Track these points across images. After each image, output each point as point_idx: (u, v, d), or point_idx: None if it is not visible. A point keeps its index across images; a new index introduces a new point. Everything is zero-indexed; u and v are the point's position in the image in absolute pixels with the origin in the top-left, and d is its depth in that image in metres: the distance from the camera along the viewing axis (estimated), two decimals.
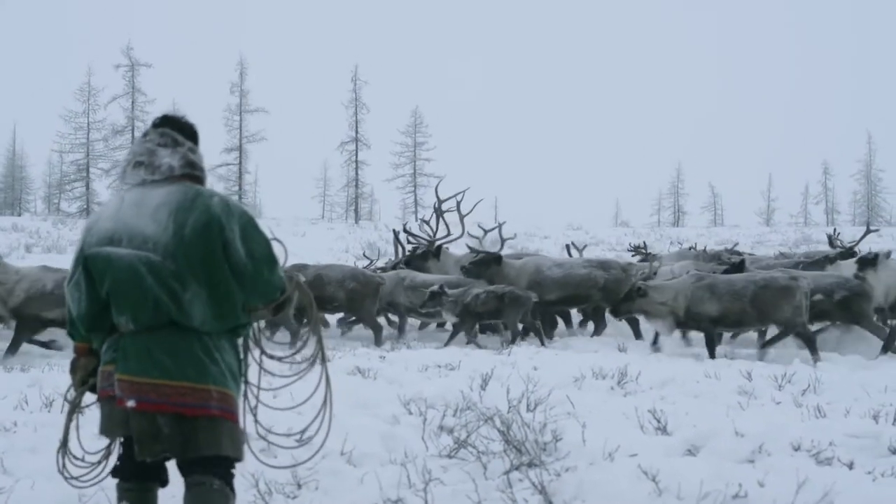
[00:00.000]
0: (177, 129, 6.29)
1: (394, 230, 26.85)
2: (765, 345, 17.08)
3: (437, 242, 23.16)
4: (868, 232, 25.16)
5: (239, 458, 6.05)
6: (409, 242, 24.56)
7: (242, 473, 7.53)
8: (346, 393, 10.73)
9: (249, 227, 6.00)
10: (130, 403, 5.70)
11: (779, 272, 17.75)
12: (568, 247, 25.85)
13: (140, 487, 6.07)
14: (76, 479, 6.33)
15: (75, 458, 6.36)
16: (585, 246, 26.41)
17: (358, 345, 18.60)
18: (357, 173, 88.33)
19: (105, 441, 6.30)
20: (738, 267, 20.08)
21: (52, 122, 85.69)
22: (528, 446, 7.99)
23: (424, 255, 22.98)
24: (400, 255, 24.93)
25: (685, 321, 17.14)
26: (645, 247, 29.94)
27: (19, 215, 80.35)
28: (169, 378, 5.71)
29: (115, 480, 6.13)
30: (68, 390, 6.52)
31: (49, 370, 13.91)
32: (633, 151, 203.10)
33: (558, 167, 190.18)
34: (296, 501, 7.33)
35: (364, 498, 7.24)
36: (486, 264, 20.69)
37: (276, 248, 6.21)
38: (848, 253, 23.72)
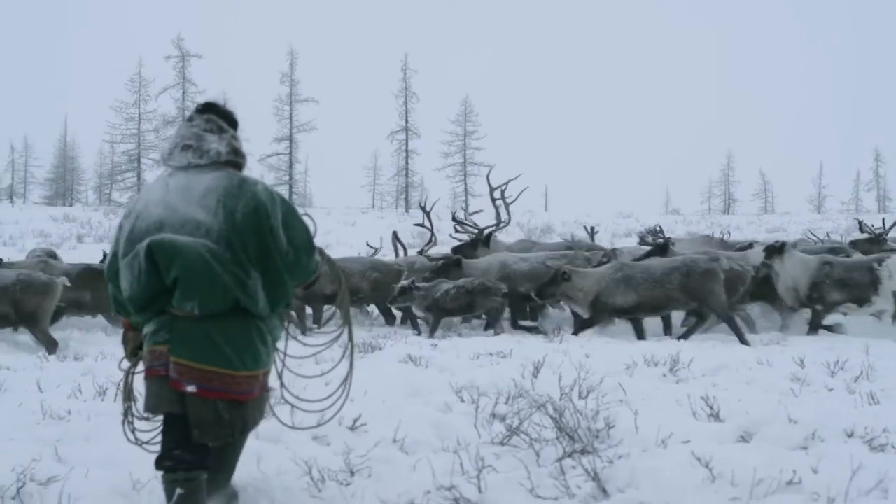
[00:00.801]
0: (221, 117, 6.66)
1: (394, 232, 26.82)
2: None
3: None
4: None
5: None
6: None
7: (296, 461, 7.60)
8: (398, 381, 10.83)
9: (290, 215, 6.35)
10: (191, 388, 6.00)
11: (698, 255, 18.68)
12: (591, 229, 25.87)
13: (187, 478, 6.16)
14: (147, 443, 6.65)
15: (140, 419, 6.69)
16: (594, 228, 26.48)
17: (409, 333, 18.69)
18: (407, 162, 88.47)
19: None
20: (663, 249, 20.61)
21: (104, 113, 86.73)
22: (580, 433, 7.98)
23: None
24: (401, 255, 25.09)
25: (594, 309, 17.59)
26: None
27: (71, 205, 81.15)
28: (231, 368, 6.06)
29: (160, 473, 6.31)
30: (122, 361, 6.80)
31: (102, 359, 14.00)
32: (684, 139, 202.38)
33: (609, 155, 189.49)
34: (349, 489, 7.29)
35: (417, 485, 7.23)
36: (446, 269, 20.76)
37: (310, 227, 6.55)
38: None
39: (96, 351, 15.25)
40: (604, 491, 6.91)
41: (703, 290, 17.22)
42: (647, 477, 6.96)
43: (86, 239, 43.92)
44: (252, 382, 6.20)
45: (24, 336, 17.60)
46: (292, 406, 7.21)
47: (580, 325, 17.95)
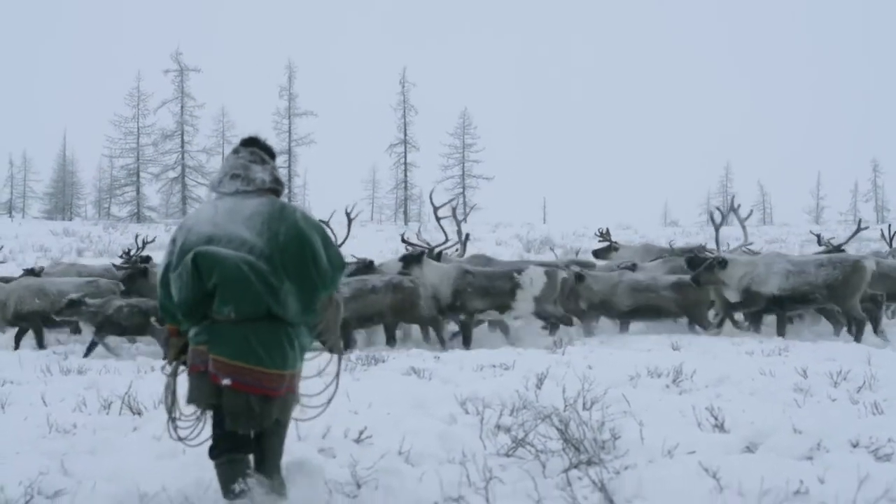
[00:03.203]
0: (261, 149, 7.60)
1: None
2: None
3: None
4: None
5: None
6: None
7: (302, 474, 7.62)
8: (401, 393, 10.86)
9: (326, 238, 7.23)
10: (226, 381, 6.80)
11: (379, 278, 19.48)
12: (466, 236, 25.70)
13: (232, 459, 6.99)
14: (184, 439, 7.36)
15: (180, 419, 7.39)
16: (468, 235, 26.29)
17: (411, 345, 18.66)
18: (406, 175, 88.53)
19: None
20: (369, 267, 21.12)
21: (103, 128, 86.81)
22: (586, 444, 7.99)
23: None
24: None
25: None
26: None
27: (70, 220, 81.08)
28: (263, 366, 6.85)
29: (212, 462, 7.08)
30: (165, 365, 7.60)
31: (106, 373, 14.04)
32: (683, 151, 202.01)
33: (608, 167, 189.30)
34: (356, 500, 7.33)
35: (424, 497, 7.24)
36: (132, 279, 21.25)
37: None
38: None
39: (99, 365, 15.26)
40: (611, 502, 6.92)
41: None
42: (655, 487, 6.98)
43: (86, 253, 43.90)
44: (280, 381, 6.93)
45: (26, 350, 17.66)
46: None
47: None
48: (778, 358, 14.99)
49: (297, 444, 8.35)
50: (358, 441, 8.69)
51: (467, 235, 25.35)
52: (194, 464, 7.79)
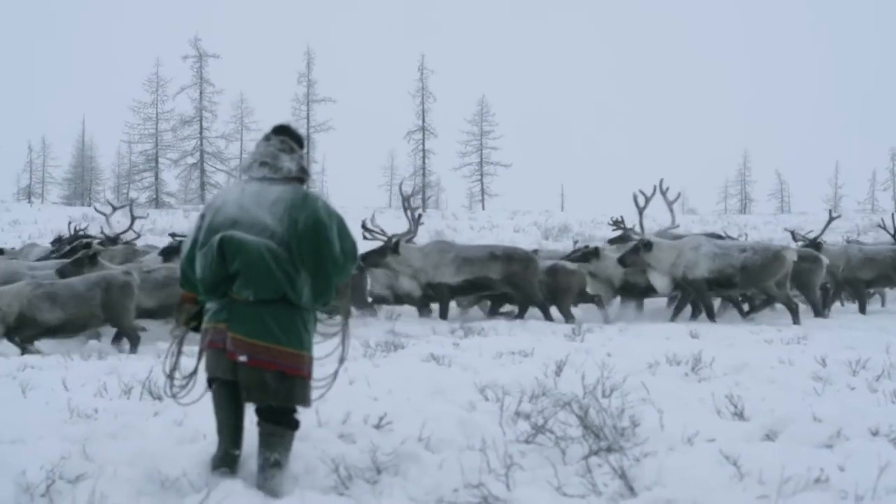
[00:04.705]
0: (291, 138, 7.97)
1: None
2: None
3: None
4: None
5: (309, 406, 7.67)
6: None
7: (323, 459, 7.66)
8: (421, 379, 10.86)
9: (343, 228, 7.60)
10: (242, 358, 7.23)
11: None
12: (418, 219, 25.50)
13: (227, 379, 7.44)
14: (176, 396, 7.85)
15: (177, 379, 7.85)
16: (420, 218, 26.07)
17: (430, 332, 18.62)
18: (424, 162, 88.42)
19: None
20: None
21: (122, 113, 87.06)
22: (606, 432, 8.00)
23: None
24: None
25: (17, 326, 16.66)
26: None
27: (89, 205, 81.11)
28: (278, 343, 7.29)
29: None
30: (174, 328, 8.17)
31: (126, 358, 14.08)
32: (701, 139, 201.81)
33: (626, 155, 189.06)
34: (377, 486, 7.37)
35: (445, 483, 7.27)
36: None
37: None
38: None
39: (119, 349, 15.33)
40: (631, 489, 6.94)
41: (118, 307, 17.04)
42: (675, 475, 6.99)
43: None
44: (298, 360, 7.37)
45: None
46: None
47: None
48: (797, 346, 15.00)
49: (317, 429, 8.37)
50: (378, 427, 8.69)
51: (419, 217, 24.99)
52: (215, 449, 7.79)
